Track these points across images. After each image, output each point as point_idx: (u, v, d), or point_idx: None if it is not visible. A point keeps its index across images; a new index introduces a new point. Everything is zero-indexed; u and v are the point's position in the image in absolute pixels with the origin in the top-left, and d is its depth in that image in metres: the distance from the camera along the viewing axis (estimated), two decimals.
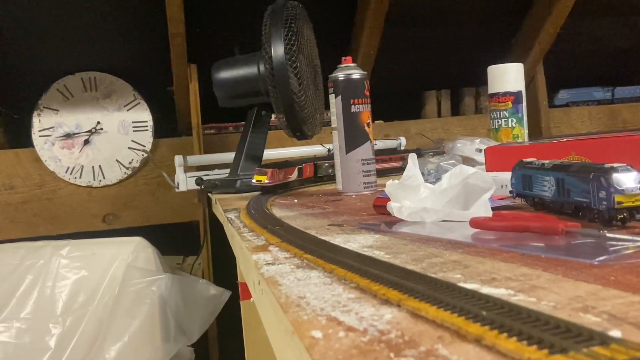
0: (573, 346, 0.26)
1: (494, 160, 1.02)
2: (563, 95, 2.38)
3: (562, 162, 0.65)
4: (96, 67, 1.94)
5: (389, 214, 0.71)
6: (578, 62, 2.43)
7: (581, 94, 2.39)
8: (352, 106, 1.07)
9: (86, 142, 1.92)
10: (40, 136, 1.89)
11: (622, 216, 0.55)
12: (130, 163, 1.96)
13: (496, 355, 0.28)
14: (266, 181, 1.09)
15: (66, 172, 1.91)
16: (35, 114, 1.89)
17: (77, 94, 1.92)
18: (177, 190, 1.62)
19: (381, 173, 1.26)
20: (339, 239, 0.61)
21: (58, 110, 1.90)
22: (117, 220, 1.97)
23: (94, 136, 1.93)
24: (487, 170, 0.99)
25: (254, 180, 1.10)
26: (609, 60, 2.48)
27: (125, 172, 1.96)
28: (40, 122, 1.89)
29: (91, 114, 1.93)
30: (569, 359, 0.25)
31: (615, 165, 0.56)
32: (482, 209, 0.65)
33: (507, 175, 0.76)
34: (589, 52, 2.41)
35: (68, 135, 1.91)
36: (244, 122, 1.44)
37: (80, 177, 1.93)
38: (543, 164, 0.67)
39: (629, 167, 0.56)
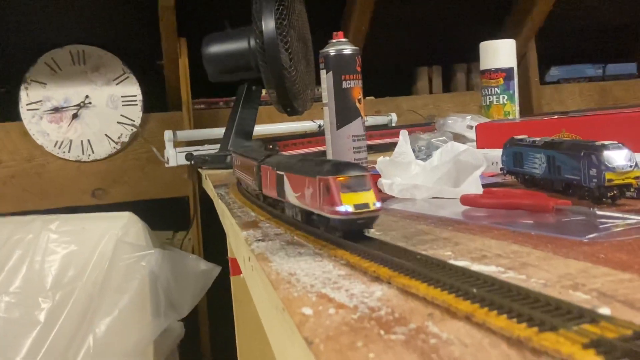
0: (563, 324, 0.26)
1: (485, 137, 1.02)
2: (554, 72, 2.38)
3: (553, 140, 0.65)
4: (84, 40, 1.91)
5: (380, 191, 0.71)
6: (570, 39, 2.43)
7: (572, 70, 2.39)
8: (344, 82, 1.06)
9: (75, 116, 1.90)
10: (28, 110, 1.87)
11: (612, 194, 0.55)
12: (119, 138, 1.95)
13: (486, 333, 0.28)
14: (376, 204, 0.44)
15: (55, 146, 1.90)
16: (22, 87, 1.86)
17: (65, 68, 1.89)
18: (166, 165, 1.61)
19: None
20: None
21: (46, 84, 1.88)
22: (107, 195, 1.96)
23: (83, 110, 1.91)
24: (478, 147, 0.99)
25: (345, 208, 0.44)
26: (601, 37, 2.47)
27: (114, 147, 1.95)
28: (28, 95, 1.87)
29: (80, 87, 1.91)
30: (558, 336, 0.25)
31: (606, 142, 0.56)
32: (473, 186, 0.65)
33: (498, 153, 0.76)
34: (580, 29, 2.40)
35: (56, 109, 1.89)
36: (234, 98, 1.43)
37: (69, 152, 1.91)
38: (534, 142, 0.67)
39: (620, 144, 0.56)
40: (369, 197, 0.44)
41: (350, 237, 0.45)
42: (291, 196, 0.51)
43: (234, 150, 0.94)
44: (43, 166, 1.91)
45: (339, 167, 0.45)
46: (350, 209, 0.43)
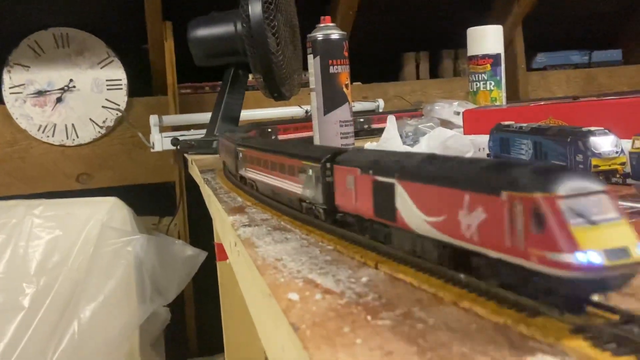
0: (550, 309, 0.26)
1: (472, 123, 1.01)
2: (541, 58, 2.38)
3: (539, 126, 0.65)
4: (68, 22, 1.88)
5: None
6: (556, 26, 2.43)
7: (559, 57, 2.40)
8: (331, 67, 1.06)
9: (59, 100, 1.88)
10: (10, 93, 1.84)
11: None
12: (104, 122, 1.93)
13: (473, 318, 0.28)
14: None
15: (38, 130, 1.88)
16: (5, 70, 1.84)
17: (48, 50, 1.87)
18: (152, 150, 1.60)
19: None
20: None
21: (29, 67, 1.86)
22: (92, 180, 1.94)
23: (67, 94, 1.89)
24: (465, 133, 0.99)
25: (588, 257, 0.22)
26: (587, 24, 2.48)
27: (99, 132, 1.93)
28: (11, 78, 1.84)
29: (63, 71, 1.88)
30: (546, 321, 0.25)
31: (592, 128, 0.56)
32: None
33: (485, 139, 0.76)
34: (567, 16, 2.41)
35: (40, 93, 1.87)
36: (220, 82, 1.42)
37: (53, 136, 1.89)
38: (521, 127, 0.67)
39: (607, 130, 0.56)
40: (623, 235, 0.24)
41: (571, 306, 0.25)
42: (416, 220, 0.32)
43: (240, 142, 0.73)
44: (27, 150, 1.89)
45: (544, 173, 0.24)
46: (599, 257, 0.23)
